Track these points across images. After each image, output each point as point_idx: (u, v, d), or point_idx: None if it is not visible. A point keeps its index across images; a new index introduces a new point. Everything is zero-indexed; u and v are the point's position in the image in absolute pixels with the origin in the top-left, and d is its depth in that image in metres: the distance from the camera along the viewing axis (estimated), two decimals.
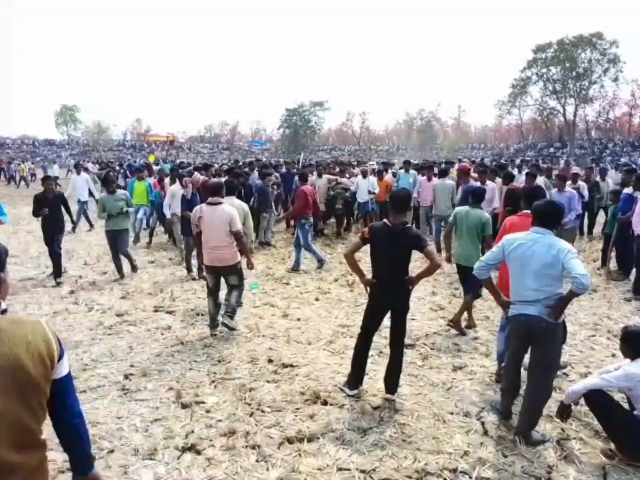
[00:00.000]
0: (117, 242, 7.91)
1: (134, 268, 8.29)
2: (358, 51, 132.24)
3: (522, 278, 3.49)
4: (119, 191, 8.10)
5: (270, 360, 4.91)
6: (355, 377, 4.26)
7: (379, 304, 4.15)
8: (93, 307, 6.61)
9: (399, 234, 3.98)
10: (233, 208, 5.59)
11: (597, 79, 54.79)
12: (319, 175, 11.90)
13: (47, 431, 1.73)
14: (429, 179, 10.47)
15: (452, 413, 3.92)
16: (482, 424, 3.77)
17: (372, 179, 11.59)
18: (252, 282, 7.30)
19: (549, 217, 3.52)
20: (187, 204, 7.99)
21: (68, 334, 5.62)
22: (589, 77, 54.69)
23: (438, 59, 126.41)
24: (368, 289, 4.20)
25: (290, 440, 3.58)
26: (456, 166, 14.29)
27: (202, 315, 6.22)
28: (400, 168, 13.83)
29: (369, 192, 11.32)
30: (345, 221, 12.31)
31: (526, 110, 62.43)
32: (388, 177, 12.73)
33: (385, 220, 4.12)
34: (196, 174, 9.11)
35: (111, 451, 3.45)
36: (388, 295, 4.08)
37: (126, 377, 4.58)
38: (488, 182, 8.70)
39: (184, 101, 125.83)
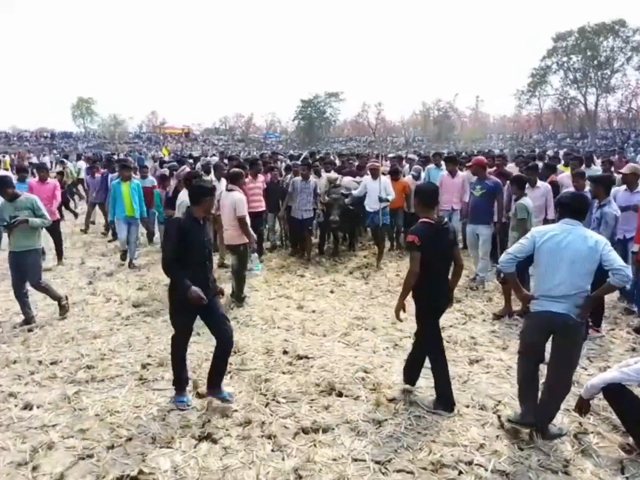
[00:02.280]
0: (21, 268, 5.74)
1: (61, 309, 6.01)
2: (374, 41, 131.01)
3: (553, 272, 3.32)
4: (24, 196, 5.76)
5: (285, 352, 4.93)
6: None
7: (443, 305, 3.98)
8: (111, 298, 6.70)
9: (445, 230, 3.81)
10: (241, 195, 6.22)
11: (619, 67, 53.52)
12: (317, 174, 9.32)
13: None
14: (453, 175, 8.38)
15: (467, 406, 3.91)
16: (499, 417, 3.74)
17: (385, 180, 8.40)
18: (256, 264, 7.48)
19: (579, 209, 3.41)
20: (169, 202, 7.48)
21: (86, 324, 5.72)
22: (611, 65, 53.45)
23: (456, 49, 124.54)
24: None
25: (305, 431, 3.60)
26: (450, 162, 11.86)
27: None
28: (424, 162, 11.00)
29: (380, 200, 8.00)
30: (344, 236, 9.57)
31: (546, 100, 61.24)
32: (407, 177, 9.77)
33: (424, 219, 3.80)
34: (184, 167, 8.65)
35: (129, 439, 3.51)
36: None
37: (144, 366, 4.65)
38: (539, 183, 7.15)
39: (199, 94, 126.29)
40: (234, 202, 6.07)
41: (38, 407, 3.95)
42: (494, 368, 4.58)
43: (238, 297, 6.38)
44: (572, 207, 3.42)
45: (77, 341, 5.26)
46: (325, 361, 4.72)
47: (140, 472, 3.14)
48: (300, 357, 4.81)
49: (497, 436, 3.51)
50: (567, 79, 56.77)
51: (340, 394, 4.11)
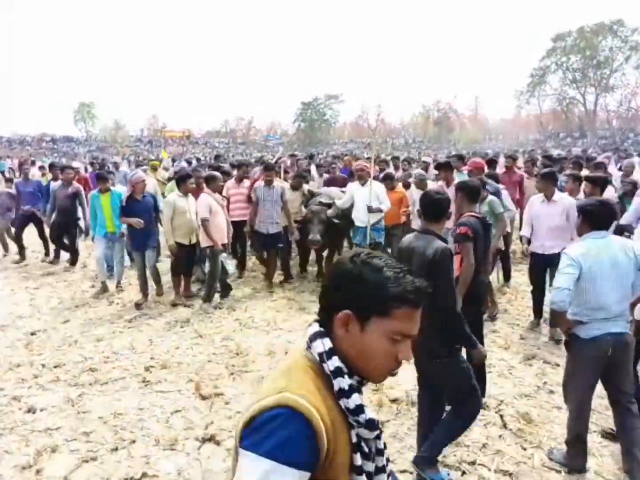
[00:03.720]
0: None
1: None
2: (373, 43, 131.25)
3: (607, 292, 2.97)
4: None
5: (287, 354, 4.93)
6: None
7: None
8: (113, 301, 6.71)
9: (489, 226, 3.89)
10: (203, 197, 6.26)
11: (618, 67, 53.48)
12: (293, 188, 7.48)
13: None
14: (449, 184, 6.34)
15: None
16: (501, 417, 3.75)
17: (377, 186, 6.79)
18: (229, 265, 6.62)
19: (606, 218, 3.14)
20: (124, 210, 6.53)
21: (89, 327, 5.74)
22: (610, 65, 53.44)
23: (455, 49, 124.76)
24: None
25: None
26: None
27: (219, 308, 6.28)
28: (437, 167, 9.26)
29: (371, 210, 6.50)
30: (314, 253, 7.79)
31: (545, 100, 61.36)
32: (402, 188, 7.71)
33: (470, 213, 3.76)
34: (138, 171, 7.81)
35: (133, 442, 3.52)
36: None
37: (147, 369, 4.66)
38: (557, 195, 5.34)
39: (200, 97, 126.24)
40: (196, 205, 6.36)
41: (42, 411, 3.96)
42: (496, 368, 4.58)
43: (206, 295, 6.44)
44: (601, 217, 3.11)
45: (80, 344, 5.28)
46: None
47: (144, 474, 3.15)
48: None
49: (500, 436, 3.52)
50: (566, 79, 56.80)
51: None
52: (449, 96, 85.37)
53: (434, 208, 3.11)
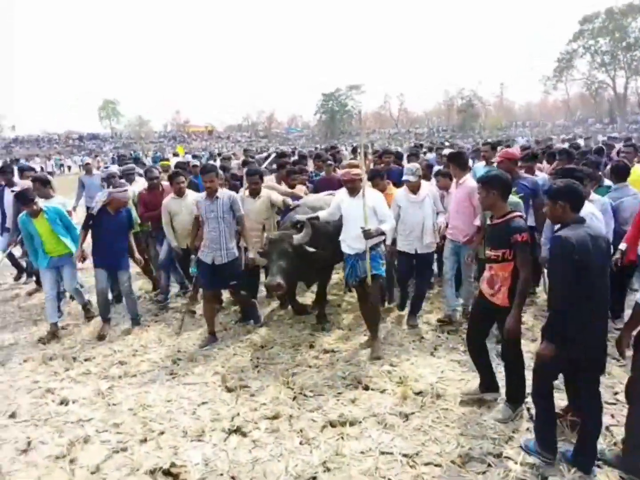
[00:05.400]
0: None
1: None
2: (394, 32, 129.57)
3: None
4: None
5: (311, 346, 4.97)
6: None
7: None
8: (142, 295, 6.84)
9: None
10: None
11: None
12: (251, 194, 5.66)
13: None
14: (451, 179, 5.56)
15: (495, 399, 3.87)
16: (528, 409, 3.70)
17: (374, 197, 4.76)
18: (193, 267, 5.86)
19: None
20: (92, 224, 5.58)
21: (119, 321, 5.87)
22: None
23: (479, 35, 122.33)
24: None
25: (332, 424, 3.64)
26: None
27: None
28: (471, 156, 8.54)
29: (369, 235, 4.48)
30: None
31: (573, 84, 59.79)
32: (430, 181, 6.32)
33: (516, 213, 3.46)
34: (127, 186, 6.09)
35: (162, 433, 3.61)
36: None
37: (174, 362, 4.75)
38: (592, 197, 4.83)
39: (221, 92, 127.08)
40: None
41: (74, 402, 4.09)
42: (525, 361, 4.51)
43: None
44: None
45: (109, 338, 5.41)
46: (351, 355, 4.73)
47: (172, 465, 3.23)
48: (326, 351, 4.83)
49: (527, 429, 3.47)
50: (595, 63, 55.25)
51: (366, 388, 4.13)
52: (473, 83, 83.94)
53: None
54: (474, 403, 3.81)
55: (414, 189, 5.22)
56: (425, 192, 5.25)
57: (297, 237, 4.82)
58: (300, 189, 6.39)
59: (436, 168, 7.23)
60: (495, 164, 5.83)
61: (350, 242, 4.78)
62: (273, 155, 10.12)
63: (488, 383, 3.85)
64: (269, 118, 77.16)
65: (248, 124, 75.96)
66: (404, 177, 5.26)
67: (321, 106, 69.09)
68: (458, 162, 5.39)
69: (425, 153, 11.88)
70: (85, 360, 4.89)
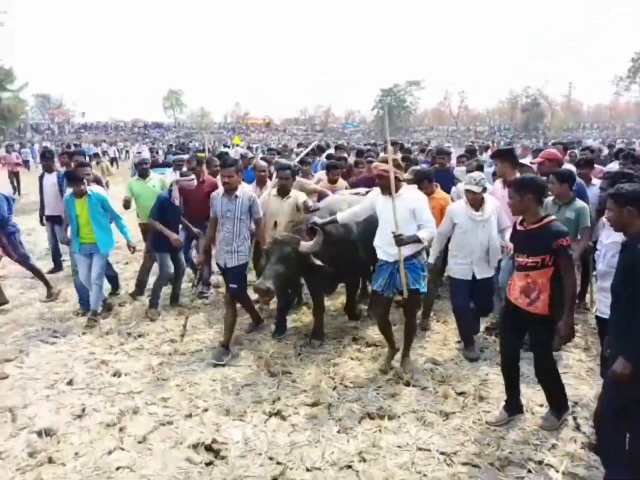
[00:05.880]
0: None
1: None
2: (458, 27, 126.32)
3: None
4: None
5: (354, 339, 4.99)
6: None
7: None
8: (194, 280, 7.06)
9: None
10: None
11: None
12: (280, 193, 5.20)
13: None
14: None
15: (541, 405, 3.75)
16: (574, 418, 3.57)
17: (413, 196, 4.14)
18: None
19: None
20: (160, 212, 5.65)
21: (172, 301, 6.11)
22: None
23: (547, 31, 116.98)
24: None
25: (371, 416, 3.66)
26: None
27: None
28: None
29: (401, 242, 3.85)
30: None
31: None
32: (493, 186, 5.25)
33: (550, 217, 3.30)
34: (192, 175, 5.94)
35: (206, 410, 3.75)
36: None
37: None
38: None
39: (280, 85, 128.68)
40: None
41: (126, 375, 4.32)
42: (573, 369, 4.36)
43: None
44: None
45: (162, 316, 5.65)
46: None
47: (214, 441, 3.36)
48: (369, 345, 4.84)
49: (572, 438, 3.35)
50: None
51: (407, 384, 4.11)
52: (539, 82, 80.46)
53: None
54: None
55: (477, 203, 4.36)
56: (491, 208, 4.39)
57: (305, 245, 4.34)
58: (342, 184, 6.35)
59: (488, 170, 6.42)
60: (535, 165, 5.31)
61: (386, 247, 4.13)
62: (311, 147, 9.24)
63: (515, 403, 3.63)
64: (326, 112, 77.39)
65: (305, 118, 76.52)
66: (465, 186, 4.39)
67: (379, 101, 68.59)
68: (509, 158, 4.94)
69: (481, 153, 11.51)
70: (139, 336, 5.14)
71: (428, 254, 4.51)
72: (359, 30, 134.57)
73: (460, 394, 3.95)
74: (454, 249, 4.52)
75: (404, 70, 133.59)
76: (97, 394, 4.04)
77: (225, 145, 14.59)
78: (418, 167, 5.93)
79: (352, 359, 4.58)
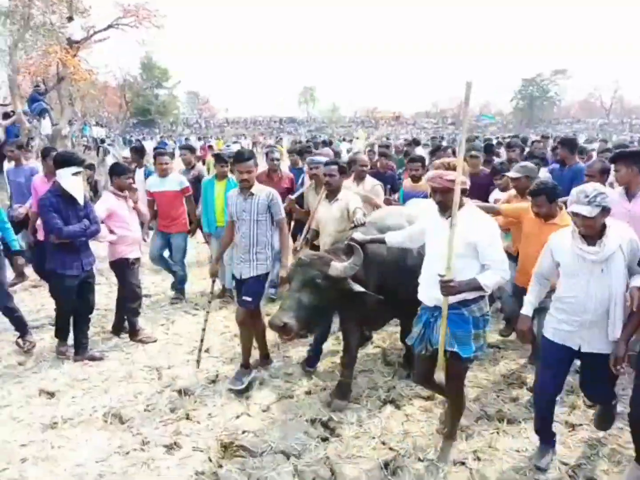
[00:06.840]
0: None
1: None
2: (606, 11, 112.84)
3: None
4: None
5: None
6: None
7: None
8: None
9: None
10: None
11: None
12: (328, 193, 4.35)
13: None
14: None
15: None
16: None
17: (480, 224, 2.82)
18: None
19: None
20: None
21: None
22: None
23: None
24: None
25: (489, 417, 3.57)
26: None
27: None
28: None
29: (444, 286, 2.71)
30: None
31: None
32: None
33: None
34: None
35: (324, 389, 3.98)
36: None
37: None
38: None
39: (409, 78, 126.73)
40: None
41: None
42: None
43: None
44: None
45: None
46: (518, 354, 4.52)
47: (330, 418, 3.55)
48: (490, 346, 4.68)
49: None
50: None
51: (531, 390, 3.91)
52: None
53: None
54: None
55: (592, 231, 2.72)
56: (615, 242, 2.71)
57: (337, 266, 3.27)
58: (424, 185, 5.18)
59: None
60: None
61: (428, 287, 2.95)
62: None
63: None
64: (460, 104, 74.52)
65: (436, 111, 74.50)
66: (571, 207, 2.73)
67: (519, 92, 64.22)
68: (636, 162, 3.69)
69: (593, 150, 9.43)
70: (267, 315, 5.50)
71: (492, 301, 3.49)
72: (497, 19, 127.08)
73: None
74: (558, 299, 2.97)
75: (547, 60, 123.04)
76: (229, 363, 4.46)
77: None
78: (530, 166, 4.49)
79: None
